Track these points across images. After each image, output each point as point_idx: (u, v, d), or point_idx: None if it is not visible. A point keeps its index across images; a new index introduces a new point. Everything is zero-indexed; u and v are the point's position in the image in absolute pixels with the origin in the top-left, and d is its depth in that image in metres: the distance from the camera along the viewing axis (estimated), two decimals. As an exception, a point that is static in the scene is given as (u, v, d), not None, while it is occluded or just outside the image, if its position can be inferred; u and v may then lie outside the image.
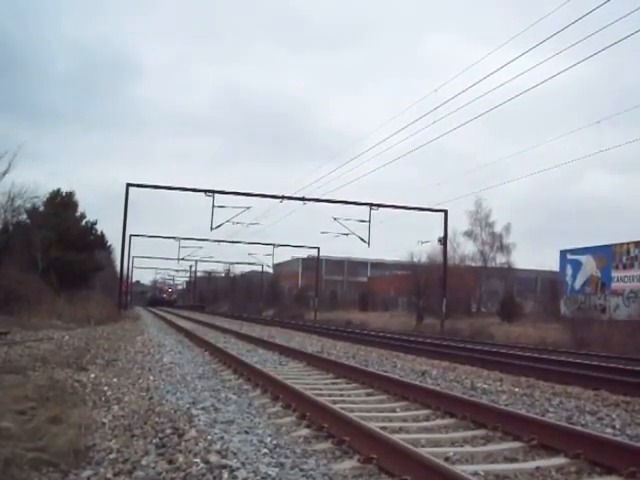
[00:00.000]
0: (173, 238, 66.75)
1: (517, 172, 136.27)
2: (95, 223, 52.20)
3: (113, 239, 64.09)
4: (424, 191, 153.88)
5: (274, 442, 6.35)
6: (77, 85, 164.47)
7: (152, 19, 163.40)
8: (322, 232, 52.06)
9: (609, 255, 37.96)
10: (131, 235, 57.37)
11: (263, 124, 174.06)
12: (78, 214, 50.37)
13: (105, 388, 9.57)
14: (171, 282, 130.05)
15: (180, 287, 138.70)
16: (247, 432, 6.79)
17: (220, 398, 9.15)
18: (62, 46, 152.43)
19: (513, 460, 6.07)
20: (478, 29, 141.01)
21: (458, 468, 5.22)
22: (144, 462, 5.44)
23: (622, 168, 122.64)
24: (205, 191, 41.02)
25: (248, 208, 43.17)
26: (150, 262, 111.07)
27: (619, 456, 5.57)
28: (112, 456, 5.65)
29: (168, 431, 6.48)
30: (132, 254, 71.01)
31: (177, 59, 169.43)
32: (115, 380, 10.53)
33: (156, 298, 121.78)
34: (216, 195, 40.96)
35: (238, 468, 5.15)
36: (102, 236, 55.71)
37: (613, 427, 7.82)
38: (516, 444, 6.53)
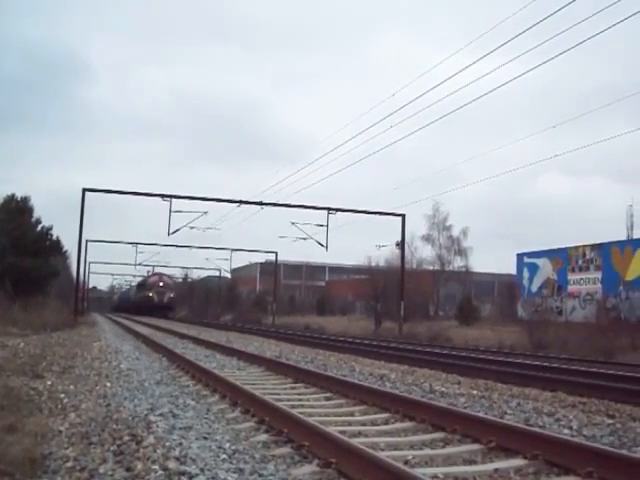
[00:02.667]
0: (130, 243, 66.25)
1: (474, 176, 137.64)
2: (51, 228, 51.37)
3: (69, 244, 63.38)
4: (382, 195, 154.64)
5: (233, 448, 6.31)
6: (27, 87, 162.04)
7: (101, 20, 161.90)
8: (280, 237, 52.26)
9: (565, 258, 38.52)
10: (87, 240, 56.89)
11: (220, 127, 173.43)
12: (33, 219, 49.63)
13: (62, 395, 9.43)
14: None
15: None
16: (206, 438, 6.73)
17: (178, 404, 9.06)
18: (9, 47, 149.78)
19: (472, 462, 6.11)
20: (431, 29, 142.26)
21: (417, 471, 5.24)
22: (102, 470, 5.36)
23: (578, 171, 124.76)
24: (162, 196, 40.79)
25: (205, 213, 43.12)
26: (107, 268, 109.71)
27: (576, 457, 5.63)
28: (69, 464, 5.56)
29: (126, 438, 6.39)
30: (88, 259, 70.47)
31: (128, 61, 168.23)
32: (72, 387, 10.38)
33: (126, 300, 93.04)
34: (173, 200, 40.75)
35: (197, 474, 5.11)
36: (58, 241, 54.78)
37: (570, 428, 7.90)
38: (475, 446, 6.57)
